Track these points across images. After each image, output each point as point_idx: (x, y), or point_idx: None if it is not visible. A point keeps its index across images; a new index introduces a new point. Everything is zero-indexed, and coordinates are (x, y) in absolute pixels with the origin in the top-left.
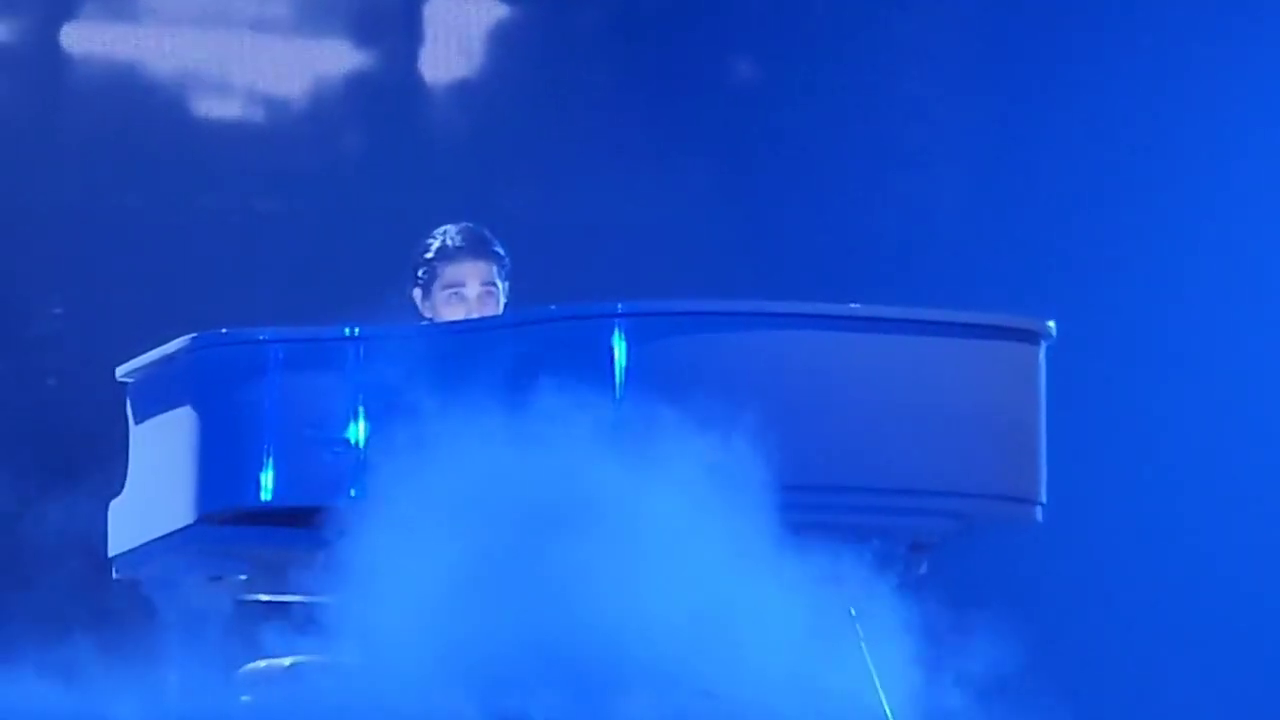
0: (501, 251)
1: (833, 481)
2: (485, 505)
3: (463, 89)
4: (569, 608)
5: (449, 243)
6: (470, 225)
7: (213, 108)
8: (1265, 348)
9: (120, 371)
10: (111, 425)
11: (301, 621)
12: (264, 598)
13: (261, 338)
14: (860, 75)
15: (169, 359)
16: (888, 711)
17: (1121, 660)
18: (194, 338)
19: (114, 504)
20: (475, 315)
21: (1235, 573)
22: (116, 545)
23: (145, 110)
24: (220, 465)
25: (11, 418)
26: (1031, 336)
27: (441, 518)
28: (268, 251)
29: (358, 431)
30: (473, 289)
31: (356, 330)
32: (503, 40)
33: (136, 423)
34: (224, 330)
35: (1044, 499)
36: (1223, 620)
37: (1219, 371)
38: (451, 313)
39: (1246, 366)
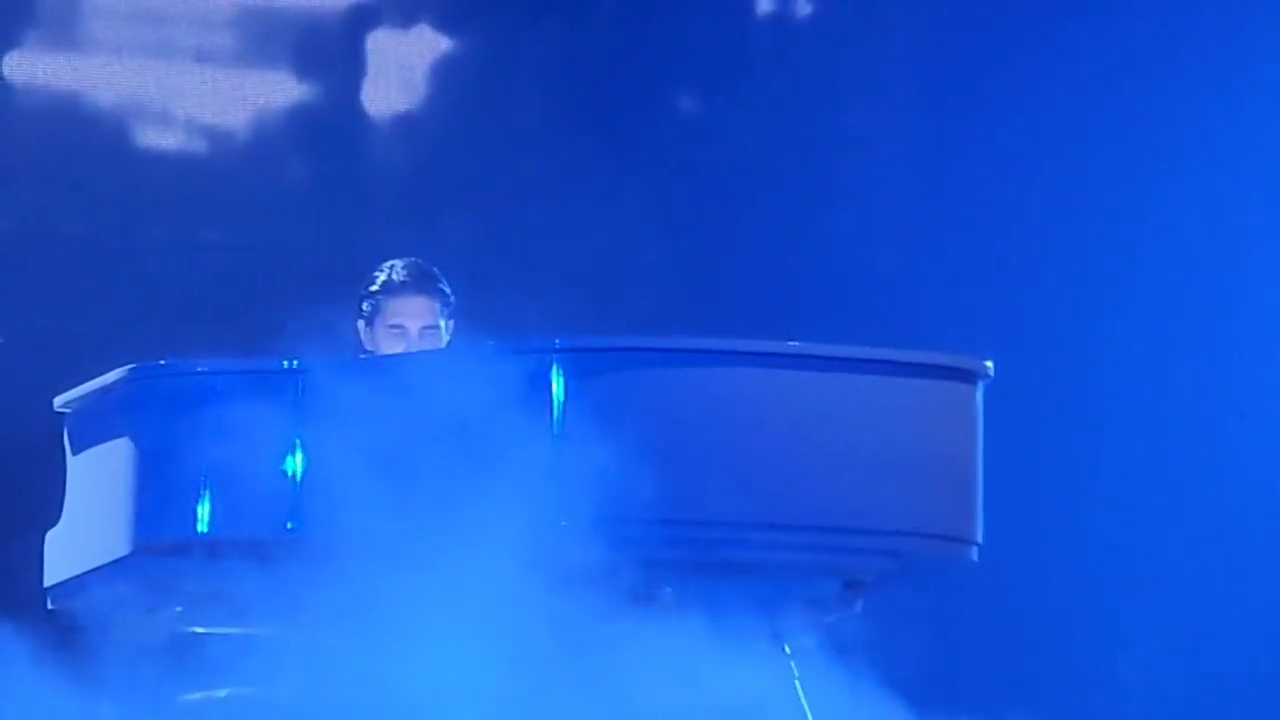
0: (447, 290)
1: (768, 519)
2: (422, 540)
3: (405, 121)
4: (506, 647)
5: (394, 278)
6: (417, 261)
7: (155, 138)
8: (1201, 389)
9: (58, 402)
10: (49, 456)
11: (237, 654)
12: (199, 629)
13: (200, 369)
14: (801, 110)
15: (107, 390)
16: None
17: (1058, 699)
18: (132, 369)
19: (50, 534)
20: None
21: (1169, 615)
22: (52, 576)
23: (87, 140)
24: (157, 496)
25: None
26: (969, 376)
27: (378, 551)
28: (208, 282)
29: (295, 464)
30: (414, 326)
31: (295, 363)
32: (445, 73)
33: (74, 453)
34: (162, 361)
35: (980, 539)
36: (1157, 664)
37: (1159, 412)
38: (392, 348)
39: (1184, 408)
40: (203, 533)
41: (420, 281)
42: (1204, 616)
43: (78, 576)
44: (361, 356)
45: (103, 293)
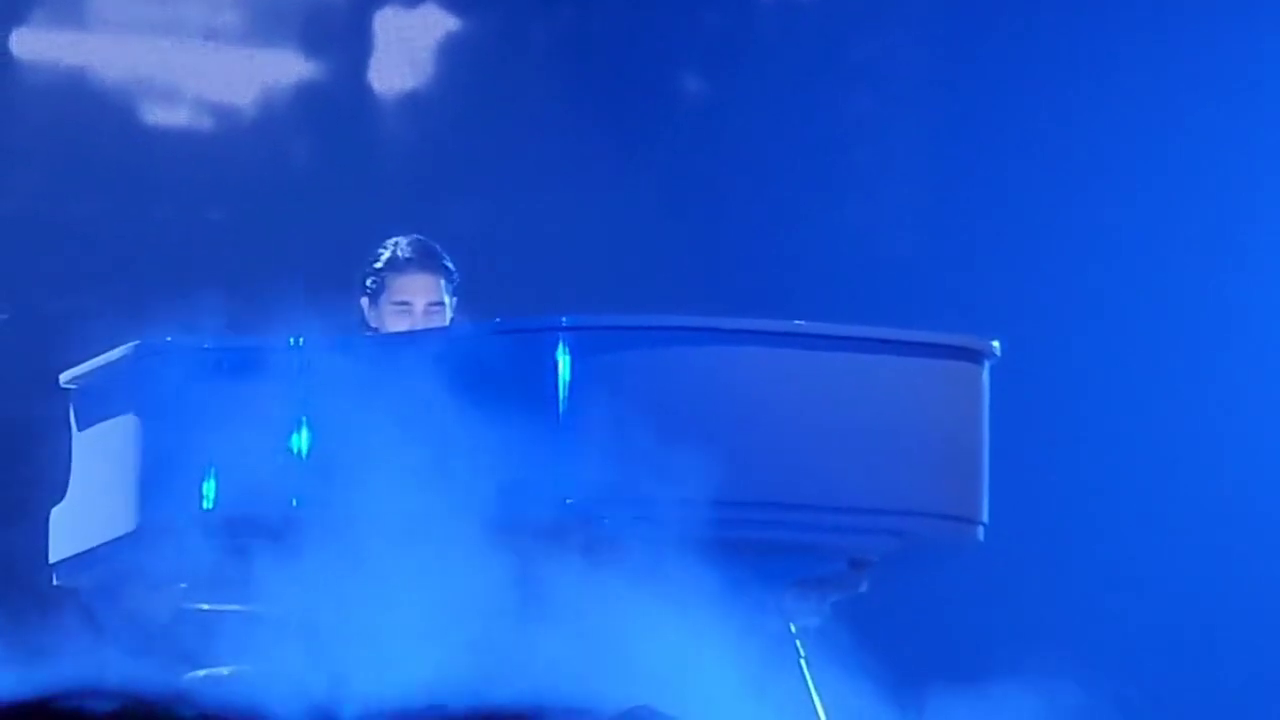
0: (451, 266)
1: (774, 498)
2: (426, 517)
3: (411, 100)
4: (508, 624)
5: (399, 254)
6: (421, 238)
7: (162, 116)
8: (1209, 373)
9: (64, 378)
10: (55, 431)
11: (241, 630)
12: (205, 606)
13: (205, 346)
14: (809, 92)
15: (113, 366)
16: None
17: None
18: (138, 345)
19: (56, 510)
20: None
21: (1176, 595)
22: (57, 552)
23: (94, 117)
24: (162, 473)
25: None
26: (975, 356)
27: (383, 528)
28: (214, 259)
29: (300, 441)
30: (420, 303)
31: (300, 340)
32: (451, 52)
33: (79, 429)
34: (168, 338)
35: (985, 518)
36: (1163, 645)
37: (1165, 396)
38: (397, 325)
39: (1190, 392)
40: (208, 509)
41: (426, 258)
42: (1207, 599)
43: (83, 553)
44: (366, 333)
45: (108, 269)
